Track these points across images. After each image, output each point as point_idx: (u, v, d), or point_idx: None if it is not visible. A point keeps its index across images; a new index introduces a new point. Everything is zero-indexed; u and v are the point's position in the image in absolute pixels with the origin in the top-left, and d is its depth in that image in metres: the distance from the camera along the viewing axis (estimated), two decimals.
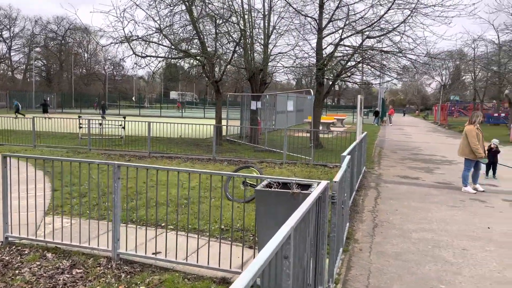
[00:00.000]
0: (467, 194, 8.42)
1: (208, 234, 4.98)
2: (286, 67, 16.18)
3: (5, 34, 68.45)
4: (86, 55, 79.29)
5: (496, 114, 38.91)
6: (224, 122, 18.45)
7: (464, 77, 50.41)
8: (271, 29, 16.93)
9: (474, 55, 33.19)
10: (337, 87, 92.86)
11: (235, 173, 5.86)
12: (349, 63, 15.95)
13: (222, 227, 5.61)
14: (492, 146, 10.15)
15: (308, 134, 14.65)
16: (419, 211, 6.93)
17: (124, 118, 15.86)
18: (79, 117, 15.17)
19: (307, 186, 4.01)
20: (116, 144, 14.88)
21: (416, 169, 11.67)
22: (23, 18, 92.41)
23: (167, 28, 14.61)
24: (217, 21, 14.90)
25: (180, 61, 17.65)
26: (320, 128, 24.64)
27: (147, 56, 15.72)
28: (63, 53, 70.44)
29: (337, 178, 3.78)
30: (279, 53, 16.97)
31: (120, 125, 15.90)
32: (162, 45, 15.10)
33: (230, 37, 15.06)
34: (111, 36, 14.57)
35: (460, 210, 7.11)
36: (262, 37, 16.84)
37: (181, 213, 6.15)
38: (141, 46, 15.79)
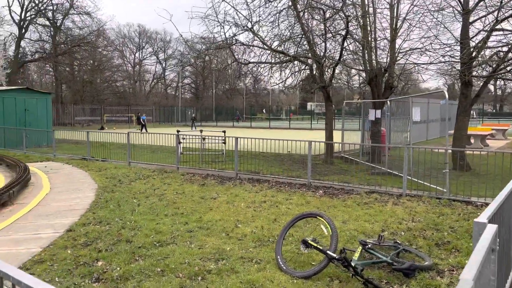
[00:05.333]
0: None
1: None
2: (418, 64, 12.48)
3: (161, 56, 76.82)
4: (229, 71, 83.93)
5: None
6: (338, 135, 15.53)
7: None
8: (399, 21, 13.47)
9: None
10: (499, 91, 78.86)
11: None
12: (510, 54, 11.49)
13: None
14: None
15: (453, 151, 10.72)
16: None
17: (224, 132, 14.31)
18: (178, 131, 14.16)
19: None
20: (217, 161, 13.38)
21: None
22: (175, 40, 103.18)
23: (268, 28, 12.56)
24: (326, 14, 12.21)
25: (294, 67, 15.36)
26: (472, 141, 19.55)
27: (249, 62, 13.96)
28: (205, 70, 75.38)
29: None
30: (410, 49, 13.34)
31: (221, 141, 14.43)
32: (267, 48, 13.06)
33: (339, 30, 12.17)
34: (210, 42, 13.19)
35: None
36: (388, 30, 13.50)
37: None
38: (244, 53, 14.14)
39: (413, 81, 29.18)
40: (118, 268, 4.29)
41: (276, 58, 12.88)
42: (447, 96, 8.47)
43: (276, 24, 12.93)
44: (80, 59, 49.90)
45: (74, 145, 19.13)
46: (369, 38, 12.95)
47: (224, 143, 14.27)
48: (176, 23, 71.86)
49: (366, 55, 13.33)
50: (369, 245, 4.53)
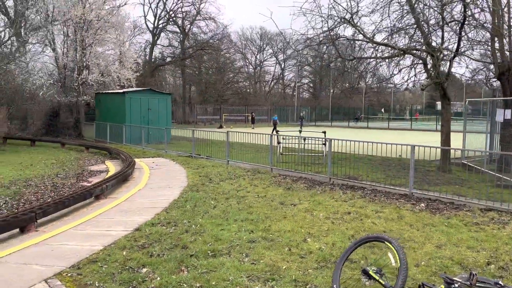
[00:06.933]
0: None
1: None
2: None
3: (280, 57, 78.13)
4: (349, 70, 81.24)
5: None
6: (457, 138, 13.46)
7: None
8: None
9: None
10: None
11: None
12: None
13: None
14: None
15: None
16: None
17: (324, 132, 13.52)
18: (277, 132, 13.84)
19: None
20: (317, 164, 12.73)
21: None
22: (296, 41, 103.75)
23: (375, 19, 11.37)
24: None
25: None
26: None
27: (354, 58, 12.95)
28: (323, 68, 74.24)
29: None
30: None
31: (322, 142, 13.66)
32: (368, 40, 11.90)
33: (455, 15, 10.36)
34: (307, 37, 12.53)
35: None
36: None
37: None
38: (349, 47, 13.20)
39: None
40: (158, 278, 4.03)
41: (380, 53, 11.61)
42: None
43: (386, 15, 11.69)
44: (205, 61, 53.51)
45: (189, 142, 20.27)
46: (500, 24, 10.84)
47: (324, 144, 13.48)
48: (283, 22, 72.05)
49: (496, 44, 11.23)
50: (456, 285, 3.48)
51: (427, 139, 23.72)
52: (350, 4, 10.05)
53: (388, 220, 6.26)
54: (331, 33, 12.02)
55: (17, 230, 5.56)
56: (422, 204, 7.45)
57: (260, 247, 4.98)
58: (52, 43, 24.29)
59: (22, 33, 27.45)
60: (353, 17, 10.13)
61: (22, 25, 27.70)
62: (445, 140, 11.59)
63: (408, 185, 8.45)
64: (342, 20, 10.26)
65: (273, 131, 28.95)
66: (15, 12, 25.57)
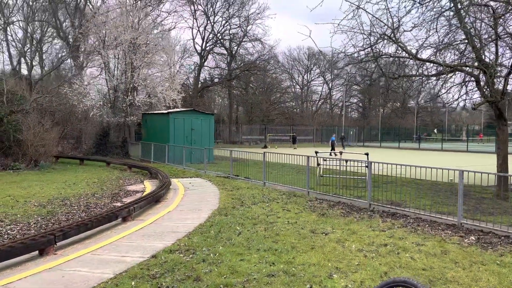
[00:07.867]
0: None
1: None
2: None
3: (328, 76, 77.31)
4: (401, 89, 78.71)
5: None
6: None
7: None
8: None
9: None
10: None
11: None
12: None
13: None
14: None
15: None
16: None
17: (367, 154, 12.78)
18: (316, 153, 13.29)
19: None
20: (360, 187, 12.13)
21: None
22: (342, 60, 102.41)
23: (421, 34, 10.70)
24: (497, 10, 9.71)
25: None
26: None
27: (399, 76, 12.26)
28: (371, 87, 72.45)
29: None
30: None
31: (364, 164, 12.94)
32: (418, 58, 11.20)
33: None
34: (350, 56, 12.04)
35: None
36: None
37: None
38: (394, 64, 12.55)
39: None
40: None
41: (425, 70, 10.84)
42: None
43: (433, 30, 10.97)
44: (252, 82, 54.01)
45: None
46: None
47: (367, 167, 12.74)
48: (324, 40, 71.25)
49: None
50: None
51: (484, 161, 22.01)
52: (392, 20, 9.49)
53: (430, 255, 5.56)
54: (373, 50, 11.47)
55: (37, 252, 5.49)
56: (472, 237, 6.62)
57: (278, 282, 4.52)
58: (106, 66, 25.46)
59: (81, 58, 29.15)
60: (395, 32, 9.54)
61: (82, 50, 29.45)
62: (502, 165, 10.51)
63: (457, 214, 7.61)
64: (382, 36, 9.72)
65: (331, 151, 28.10)
66: (72, 36, 27.21)
